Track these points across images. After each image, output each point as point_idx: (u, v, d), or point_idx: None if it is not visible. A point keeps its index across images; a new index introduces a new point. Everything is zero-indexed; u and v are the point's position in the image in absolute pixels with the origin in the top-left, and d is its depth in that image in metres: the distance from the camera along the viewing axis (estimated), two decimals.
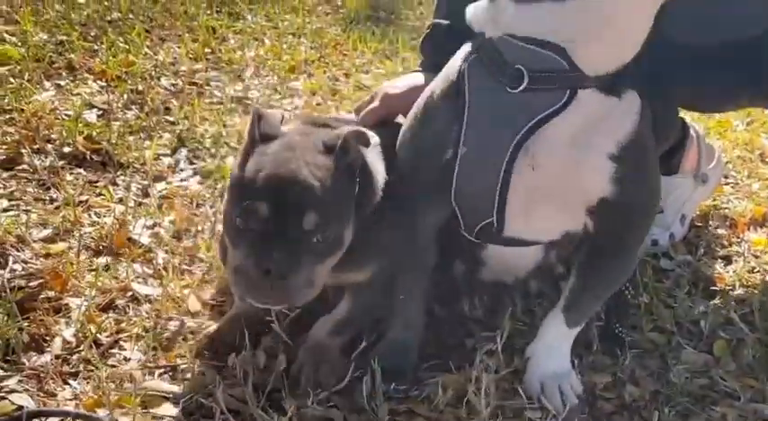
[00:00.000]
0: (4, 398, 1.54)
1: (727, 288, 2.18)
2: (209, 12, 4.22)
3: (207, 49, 3.69)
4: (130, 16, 3.98)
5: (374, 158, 1.69)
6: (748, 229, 2.50)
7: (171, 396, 1.62)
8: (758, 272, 2.26)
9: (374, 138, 1.68)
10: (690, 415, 1.71)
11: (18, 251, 2.04)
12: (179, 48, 3.65)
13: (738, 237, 2.44)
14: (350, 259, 1.62)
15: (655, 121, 2.00)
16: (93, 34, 3.65)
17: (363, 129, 1.61)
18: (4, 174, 2.42)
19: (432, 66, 1.91)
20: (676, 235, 2.38)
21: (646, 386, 1.79)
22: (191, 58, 3.57)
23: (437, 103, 1.64)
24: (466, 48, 1.63)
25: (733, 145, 3.11)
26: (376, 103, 1.93)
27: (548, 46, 1.44)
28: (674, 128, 2.24)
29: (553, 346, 1.76)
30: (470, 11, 1.61)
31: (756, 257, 2.34)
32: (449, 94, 1.61)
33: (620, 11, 1.41)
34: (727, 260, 2.33)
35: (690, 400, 1.75)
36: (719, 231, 2.49)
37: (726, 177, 2.84)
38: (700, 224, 2.53)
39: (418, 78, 2.01)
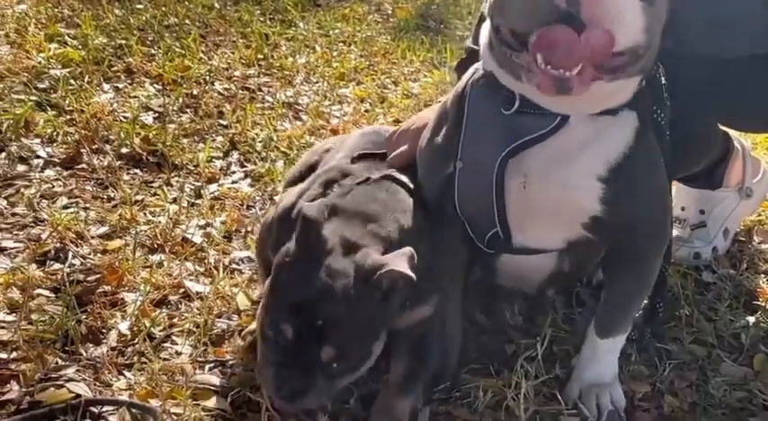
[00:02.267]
0: (62, 386, 1.62)
1: None
2: (262, 19, 4.32)
3: (259, 56, 3.77)
4: (187, 22, 4.08)
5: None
6: None
7: (220, 389, 1.68)
8: None
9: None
10: None
11: (77, 247, 2.13)
12: (233, 53, 3.75)
13: None
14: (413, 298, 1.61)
15: (690, 138, 2.04)
16: (150, 39, 3.76)
17: (404, 269, 1.43)
18: (65, 173, 2.52)
19: None
20: (719, 248, 2.39)
21: (684, 397, 1.81)
22: (244, 64, 3.66)
23: (446, 114, 1.73)
24: (477, 64, 1.69)
25: None
26: (404, 147, 1.92)
27: None
28: (713, 145, 2.24)
29: (593, 356, 1.80)
30: (483, 37, 1.65)
31: None
32: (455, 105, 1.69)
33: None
34: None
35: (727, 412, 1.77)
36: (763, 246, 2.49)
37: None
38: (743, 238, 2.53)
39: None
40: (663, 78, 1.66)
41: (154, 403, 1.59)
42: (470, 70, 1.70)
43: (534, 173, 1.58)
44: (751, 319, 2.07)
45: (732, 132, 2.36)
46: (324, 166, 1.90)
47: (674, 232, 2.37)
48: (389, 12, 4.94)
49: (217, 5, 4.42)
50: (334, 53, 4.00)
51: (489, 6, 1.53)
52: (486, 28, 1.61)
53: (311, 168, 1.97)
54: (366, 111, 3.33)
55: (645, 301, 1.98)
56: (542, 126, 1.54)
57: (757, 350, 1.97)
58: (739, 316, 2.09)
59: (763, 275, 2.32)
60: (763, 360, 1.93)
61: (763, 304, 2.17)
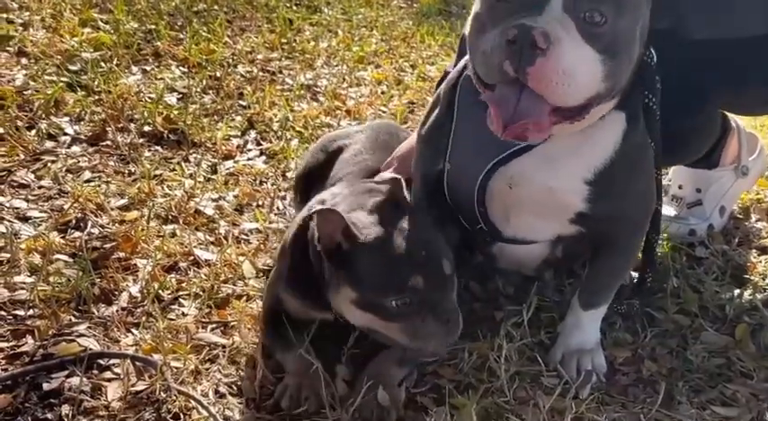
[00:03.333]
0: (73, 341, 1.75)
1: (758, 277, 2.24)
2: (288, 4, 4.43)
3: (283, 40, 3.89)
4: (215, 7, 4.22)
5: None
6: None
7: (220, 347, 1.80)
8: None
9: None
10: (703, 391, 1.80)
11: (96, 217, 2.26)
12: (257, 38, 3.86)
13: None
14: None
15: (690, 127, 2.10)
16: (179, 24, 3.90)
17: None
18: (90, 149, 2.67)
19: None
20: (715, 226, 2.44)
21: (663, 363, 1.88)
22: (267, 48, 3.78)
23: (437, 103, 1.81)
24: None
25: None
26: (395, 167, 2.03)
27: None
28: (712, 134, 2.29)
29: (576, 324, 1.88)
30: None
31: None
32: (447, 98, 1.77)
33: None
34: (763, 251, 2.38)
35: (704, 378, 1.84)
36: (759, 224, 2.54)
37: None
38: (740, 216, 2.58)
39: None
40: (654, 63, 1.67)
41: (157, 357, 1.71)
42: (462, 62, 1.77)
43: (520, 177, 1.66)
44: (737, 292, 2.13)
45: None
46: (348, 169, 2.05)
47: (671, 210, 2.45)
48: None
49: None
50: (356, 38, 4.10)
51: (468, 36, 1.56)
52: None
53: (323, 166, 2.11)
54: (382, 92, 3.42)
55: (634, 274, 2.07)
56: None
57: (741, 321, 2.03)
58: (726, 288, 2.15)
59: (754, 251, 2.38)
60: (745, 330, 1.98)
61: (751, 277, 2.23)
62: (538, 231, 1.83)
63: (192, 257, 2.14)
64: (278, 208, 2.43)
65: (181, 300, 1.98)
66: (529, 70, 1.36)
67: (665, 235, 2.33)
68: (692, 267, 2.25)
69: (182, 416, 1.58)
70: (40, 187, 2.39)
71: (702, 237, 2.40)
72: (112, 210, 2.31)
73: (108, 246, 2.12)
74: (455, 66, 2.08)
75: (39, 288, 1.89)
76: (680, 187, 2.51)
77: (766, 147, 2.68)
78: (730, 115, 2.42)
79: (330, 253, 1.60)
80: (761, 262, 2.30)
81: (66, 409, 1.56)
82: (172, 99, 3.10)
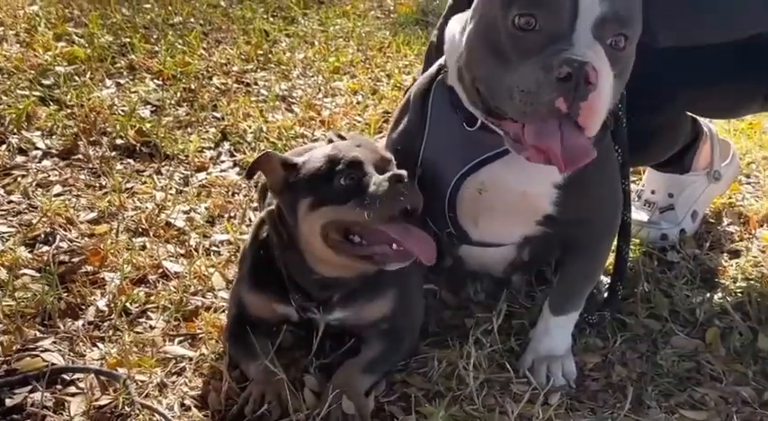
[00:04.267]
0: (37, 356, 1.74)
1: (729, 280, 2.24)
2: (265, 16, 4.43)
3: (259, 51, 3.88)
4: (191, 20, 4.21)
5: None
6: (761, 226, 2.55)
7: (187, 359, 1.79)
8: (762, 266, 2.31)
9: None
10: (672, 395, 1.79)
11: (65, 231, 2.25)
12: (233, 49, 3.86)
13: (750, 234, 2.49)
14: (368, 292, 1.79)
15: (659, 129, 2.10)
16: (154, 37, 3.89)
17: None
18: (61, 163, 2.66)
19: None
20: (687, 230, 2.45)
21: (633, 367, 1.88)
22: (243, 60, 3.77)
23: (407, 108, 1.81)
24: (441, 61, 1.75)
25: (760, 146, 3.14)
26: None
27: None
28: (681, 134, 2.30)
29: (546, 331, 1.88)
30: (447, 40, 1.68)
31: (763, 252, 2.39)
32: (418, 102, 1.76)
33: None
34: (735, 254, 2.38)
35: (674, 382, 1.83)
36: (731, 228, 2.54)
37: (747, 177, 2.89)
38: (713, 220, 2.58)
39: None
40: None
41: (122, 371, 1.70)
42: (435, 67, 1.76)
43: (492, 182, 1.67)
44: (708, 295, 2.13)
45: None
46: None
47: (644, 215, 2.46)
48: (391, 8, 5.03)
49: (222, 4, 4.56)
50: (332, 48, 4.10)
51: (468, 60, 1.53)
52: (451, 48, 1.64)
53: None
54: (357, 102, 3.42)
55: (606, 284, 2.07)
56: (502, 142, 1.56)
57: (711, 324, 2.03)
58: (697, 292, 2.15)
59: (726, 254, 2.38)
60: (716, 333, 1.98)
61: (722, 281, 2.23)
62: (505, 234, 1.84)
63: (161, 270, 2.12)
64: (250, 219, 2.42)
65: (149, 312, 1.96)
66: (582, 105, 1.33)
67: (637, 240, 2.34)
68: (664, 272, 2.25)
69: None
70: (9, 202, 2.38)
71: (674, 241, 2.40)
72: (82, 223, 2.30)
73: (76, 259, 2.11)
74: (423, 72, 2.09)
75: (3, 303, 1.87)
76: (652, 192, 2.51)
77: (739, 153, 2.70)
78: (703, 121, 2.43)
79: (281, 188, 1.70)
80: (732, 265, 2.31)
81: None
82: (145, 112, 3.09)
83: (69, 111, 2.99)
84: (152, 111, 3.11)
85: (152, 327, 1.91)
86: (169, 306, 1.97)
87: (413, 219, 1.65)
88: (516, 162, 1.56)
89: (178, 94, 3.28)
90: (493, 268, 2.06)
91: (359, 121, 3.22)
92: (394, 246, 1.63)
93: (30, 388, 1.63)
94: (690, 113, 2.30)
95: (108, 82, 3.34)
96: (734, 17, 1.83)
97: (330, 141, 1.93)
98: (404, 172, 1.60)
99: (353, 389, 1.66)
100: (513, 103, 1.37)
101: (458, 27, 1.64)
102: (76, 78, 3.27)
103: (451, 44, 1.64)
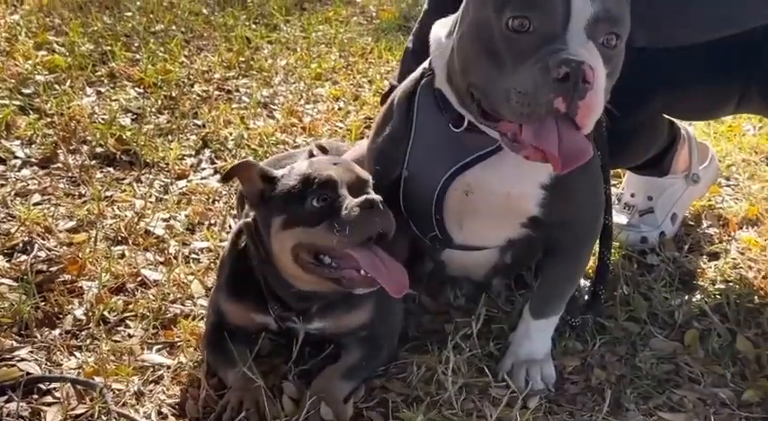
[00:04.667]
0: (13, 365, 1.72)
1: (708, 282, 2.25)
2: (247, 23, 4.43)
3: (241, 58, 3.88)
4: (173, 27, 4.21)
5: None
6: (740, 228, 2.56)
7: (165, 367, 1.78)
8: (741, 267, 2.32)
9: None
10: (651, 397, 1.79)
11: (44, 240, 2.24)
12: (214, 57, 3.86)
13: (729, 236, 2.51)
14: (347, 302, 1.79)
15: (636, 130, 2.11)
16: (136, 45, 3.88)
17: None
18: (40, 172, 2.65)
19: None
20: (667, 233, 2.45)
21: (612, 370, 1.88)
22: (224, 67, 3.76)
23: (391, 113, 1.80)
24: (425, 65, 1.74)
25: (740, 148, 3.16)
26: None
27: None
28: (658, 135, 2.30)
29: (526, 334, 1.88)
30: (433, 44, 1.69)
31: (742, 254, 2.40)
32: (403, 106, 1.75)
33: None
34: (714, 257, 2.39)
35: (653, 384, 1.83)
36: (711, 230, 2.55)
37: (727, 179, 2.90)
38: (692, 223, 2.60)
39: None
40: None
41: (99, 380, 1.69)
42: (419, 70, 1.76)
43: (478, 184, 1.67)
44: (686, 298, 2.13)
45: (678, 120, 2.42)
46: None
47: (623, 218, 2.47)
48: (374, 14, 5.03)
49: (204, 11, 4.55)
50: (314, 55, 4.10)
51: (462, 66, 1.53)
52: (438, 52, 1.64)
53: None
54: (339, 109, 3.42)
55: (587, 287, 2.08)
56: (488, 143, 1.60)
57: (690, 326, 2.03)
58: (676, 294, 2.15)
59: (705, 257, 2.39)
60: (695, 335, 1.98)
61: (700, 283, 2.24)
62: (489, 237, 1.84)
63: (140, 278, 2.11)
64: (230, 226, 2.41)
65: (127, 321, 1.95)
66: (580, 104, 1.34)
67: (617, 243, 2.34)
68: (643, 274, 2.26)
69: None
70: None
71: (654, 244, 2.41)
72: (60, 232, 2.29)
73: (54, 268, 2.10)
74: (399, 80, 2.08)
75: None
76: (632, 195, 2.52)
77: (718, 156, 2.72)
78: (681, 124, 2.45)
79: (257, 201, 1.71)
80: (711, 268, 2.31)
81: None
82: (126, 120, 3.08)
83: (49, 119, 2.99)
84: (133, 119, 3.11)
85: (130, 336, 1.90)
86: (147, 314, 1.96)
87: (384, 242, 1.65)
88: (503, 163, 1.57)
89: (159, 102, 3.27)
90: (475, 272, 2.06)
91: (340, 128, 3.22)
92: (362, 271, 1.63)
93: (5, 398, 1.62)
94: (667, 116, 2.31)
95: (88, 90, 3.33)
96: (712, 17, 1.85)
97: (311, 154, 1.93)
98: (376, 197, 1.61)
99: (332, 395, 1.66)
100: (511, 105, 1.38)
101: (443, 31, 1.65)
102: (57, 87, 3.27)
103: (437, 47, 1.65)
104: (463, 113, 1.60)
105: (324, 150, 2.00)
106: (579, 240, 1.82)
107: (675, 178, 2.48)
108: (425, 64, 1.74)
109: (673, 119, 2.38)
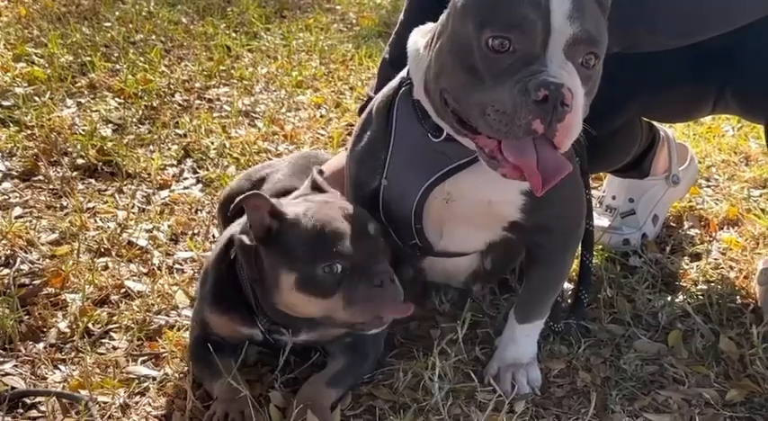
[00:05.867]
0: None
1: (690, 283, 2.27)
2: (227, 32, 4.43)
3: (221, 67, 3.87)
4: (152, 37, 4.20)
5: None
6: (721, 229, 2.58)
7: (150, 379, 1.78)
8: (722, 268, 2.34)
9: None
10: (636, 398, 1.81)
11: (26, 253, 2.22)
12: (194, 66, 3.85)
13: (710, 237, 2.53)
14: None
15: (615, 134, 2.12)
16: (115, 55, 3.87)
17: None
18: (21, 185, 2.63)
19: None
20: (649, 235, 2.47)
21: (598, 372, 1.89)
22: (205, 76, 3.76)
23: (370, 122, 1.80)
24: (400, 76, 1.75)
25: (719, 149, 3.19)
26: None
27: None
28: (636, 138, 2.31)
29: (512, 339, 1.88)
30: (411, 53, 1.68)
31: (723, 254, 2.42)
32: (382, 115, 1.75)
33: None
34: (696, 257, 2.41)
35: (638, 385, 1.85)
36: (692, 231, 2.58)
37: (707, 180, 2.93)
38: (674, 224, 2.62)
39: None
40: None
41: (84, 393, 1.68)
42: (397, 79, 1.76)
43: (458, 192, 1.67)
44: (669, 299, 2.15)
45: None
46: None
47: (605, 220, 2.48)
48: (354, 21, 5.04)
49: (184, 20, 4.55)
50: (295, 62, 4.10)
51: (437, 74, 1.52)
52: (415, 63, 1.64)
53: None
54: (321, 116, 3.42)
55: (570, 291, 2.09)
56: (468, 152, 1.59)
57: (674, 327, 2.05)
58: (659, 296, 2.17)
59: (687, 258, 2.41)
60: (678, 336, 2.00)
61: (683, 284, 2.26)
62: (469, 243, 1.85)
63: (123, 290, 2.11)
64: (213, 236, 2.41)
65: (112, 333, 1.95)
66: (558, 126, 1.35)
67: (600, 245, 2.36)
68: (626, 276, 2.27)
69: None
70: None
71: (636, 246, 2.42)
72: (43, 245, 2.28)
73: (37, 281, 2.09)
74: (376, 90, 2.09)
75: None
76: (613, 198, 2.54)
77: (698, 157, 2.74)
78: (660, 125, 2.46)
79: (263, 238, 1.64)
80: (693, 268, 2.33)
81: None
82: (107, 131, 3.07)
83: (29, 131, 2.97)
84: (113, 130, 3.09)
85: (115, 348, 1.89)
86: (132, 326, 1.95)
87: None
88: (482, 171, 1.56)
89: (140, 112, 3.26)
90: (455, 278, 2.07)
91: (322, 135, 3.23)
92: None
93: None
94: (645, 118, 2.33)
95: (68, 101, 3.31)
96: (681, 25, 1.86)
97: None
98: (388, 271, 1.63)
99: (318, 403, 1.66)
100: (486, 120, 1.39)
101: (421, 41, 1.65)
102: (36, 99, 3.25)
103: (415, 58, 1.65)
104: (441, 125, 1.61)
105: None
106: (561, 245, 1.83)
107: (656, 180, 2.50)
108: (403, 73, 1.74)
109: (650, 120, 2.39)
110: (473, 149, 1.55)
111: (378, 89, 2.03)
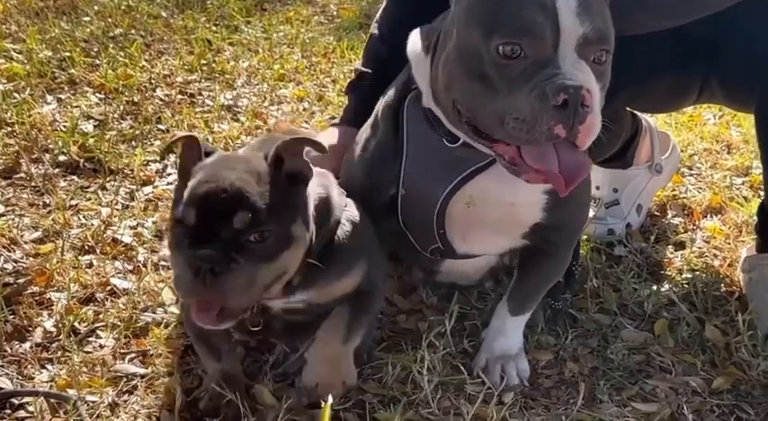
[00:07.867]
0: None
1: (675, 272, 2.28)
2: (207, 25, 4.40)
3: (202, 61, 3.85)
4: (132, 32, 4.16)
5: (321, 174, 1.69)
6: (704, 217, 2.60)
7: (138, 377, 1.77)
8: (707, 256, 2.36)
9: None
10: (624, 388, 1.82)
11: (9, 252, 2.20)
12: (175, 60, 3.82)
13: (694, 225, 2.54)
14: (330, 271, 1.65)
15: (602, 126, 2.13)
16: (95, 50, 3.83)
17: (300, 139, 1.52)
18: (3, 183, 2.60)
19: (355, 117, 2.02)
20: (633, 224, 2.49)
21: (585, 363, 1.91)
22: (186, 70, 3.73)
23: (377, 127, 1.77)
24: (403, 77, 1.72)
25: (701, 138, 3.21)
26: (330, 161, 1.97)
27: None
28: (621, 130, 2.33)
29: (501, 330, 1.89)
30: (411, 56, 1.66)
31: (707, 243, 2.44)
32: (389, 121, 1.72)
33: None
34: (680, 246, 2.43)
35: (625, 375, 1.86)
36: (676, 220, 2.59)
37: (690, 169, 2.95)
38: (658, 213, 2.63)
39: (332, 136, 2.08)
40: None
41: (72, 392, 1.67)
42: (399, 81, 1.74)
43: (480, 195, 1.65)
44: (655, 288, 2.16)
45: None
46: None
47: (590, 212, 2.48)
48: (334, 13, 5.02)
49: (164, 14, 4.51)
50: (276, 56, 4.08)
51: (447, 85, 1.49)
52: (422, 68, 1.61)
53: None
54: (304, 109, 3.41)
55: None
56: (487, 155, 1.57)
57: (659, 316, 2.07)
58: (645, 285, 2.18)
59: (671, 246, 2.42)
60: (664, 325, 2.02)
61: (668, 273, 2.27)
62: (491, 246, 1.84)
63: (109, 287, 2.09)
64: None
65: (98, 331, 1.93)
66: (580, 128, 1.35)
67: (585, 236, 2.37)
68: (612, 266, 2.29)
69: None
70: None
71: (621, 235, 2.44)
72: (26, 243, 2.26)
73: (21, 280, 2.07)
74: (364, 64, 2.07)
75: None
76: (597, 188, 2.55)
77: (680, 146, 2.75)
78: (642, 115, 2.47)
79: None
80: (677, 257, 2.35)
81: None
82: (88, 127, 3.04)
83: (9, 129, 2.93)
84: (95, 126, 3.07)
85: (102, 346, 1.88)
86: (119, 324, 1.94)
87: None
88: (503, 172, 1.52)
89: (121, 108, 3.23)
90: (470, 277, 2.07)
91: (306, 128, 3.21)
92: None
93: None
94: (630, 108, 2.34)
95: (49, 98, 3.28)
96: (671, 6, 1.86)
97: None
98: (214, 262, 1.39)
99: (342, 362, 1.71)
100: (506, 130, 1.37)
101: (421, 43, 1.62)
102: (16, 95, 3.21)
103: (418, 64, 1.63)
104: (456, 133, 1.58)
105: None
106: (569, 240, 1.84)
107: (639, 169, 2.51)
108: (404, 74, 1.71)
109: (635, 111, 2.40)
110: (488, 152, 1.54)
111: (365, 64, 2.01)
